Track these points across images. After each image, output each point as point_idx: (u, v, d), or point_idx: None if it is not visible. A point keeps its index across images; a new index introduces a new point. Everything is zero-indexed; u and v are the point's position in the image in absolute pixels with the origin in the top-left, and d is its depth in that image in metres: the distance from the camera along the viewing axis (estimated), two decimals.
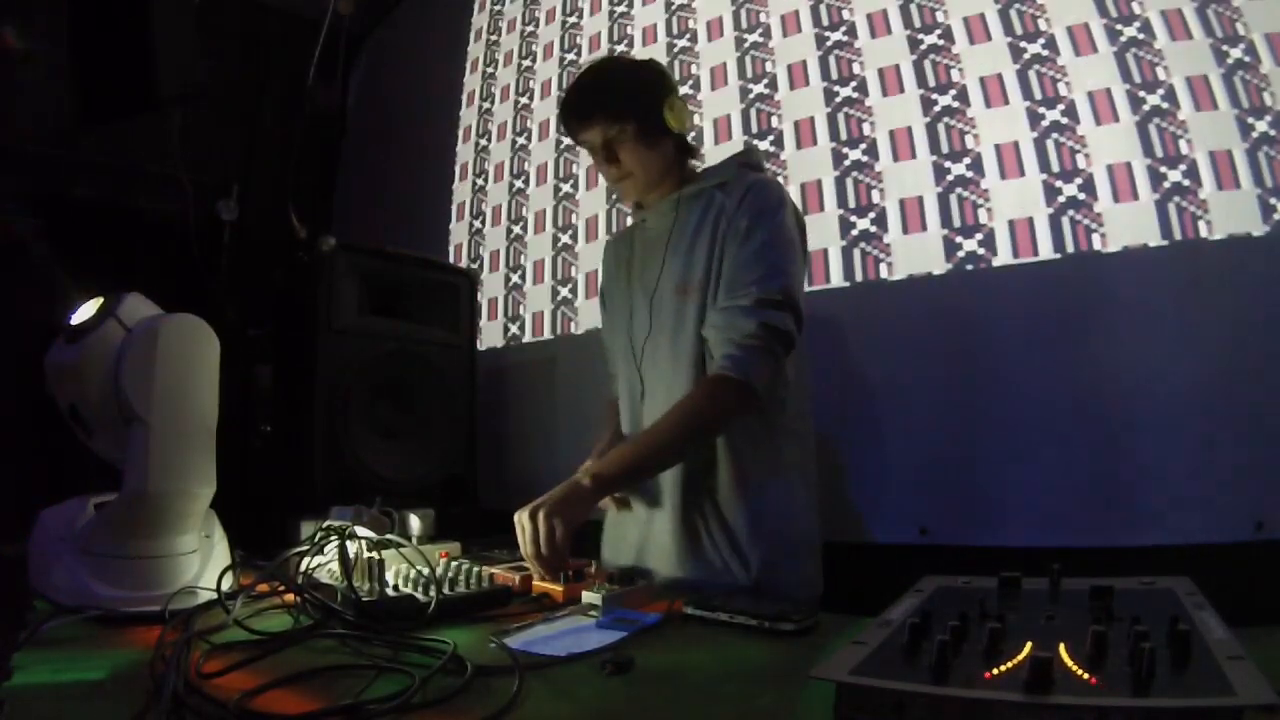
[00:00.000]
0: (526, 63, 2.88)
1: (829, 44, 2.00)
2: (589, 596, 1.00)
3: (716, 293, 1.28)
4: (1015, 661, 0.54)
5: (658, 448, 1.23)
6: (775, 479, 1.29)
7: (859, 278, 1.85)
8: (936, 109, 1.80)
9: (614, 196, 2.41)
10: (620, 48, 2.53)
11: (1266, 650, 0.53)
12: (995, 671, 0.53)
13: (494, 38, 3.09)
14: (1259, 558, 1.33)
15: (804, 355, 1.34)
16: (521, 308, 2.67)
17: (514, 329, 2.69)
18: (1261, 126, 1.46)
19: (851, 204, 1.88)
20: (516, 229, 2.75)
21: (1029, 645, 0.56)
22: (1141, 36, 1.59)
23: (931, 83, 1.82)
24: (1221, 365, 1.43)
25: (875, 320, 1.82)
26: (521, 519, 1.10)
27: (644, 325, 1.37)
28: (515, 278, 2.72)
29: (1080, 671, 0.52)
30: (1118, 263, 1.55)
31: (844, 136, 1.93)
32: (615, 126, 1.30)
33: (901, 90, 1.86)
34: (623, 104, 1.31)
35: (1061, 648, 0.55)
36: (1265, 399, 1.39)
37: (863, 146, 1.90)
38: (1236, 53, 1.50)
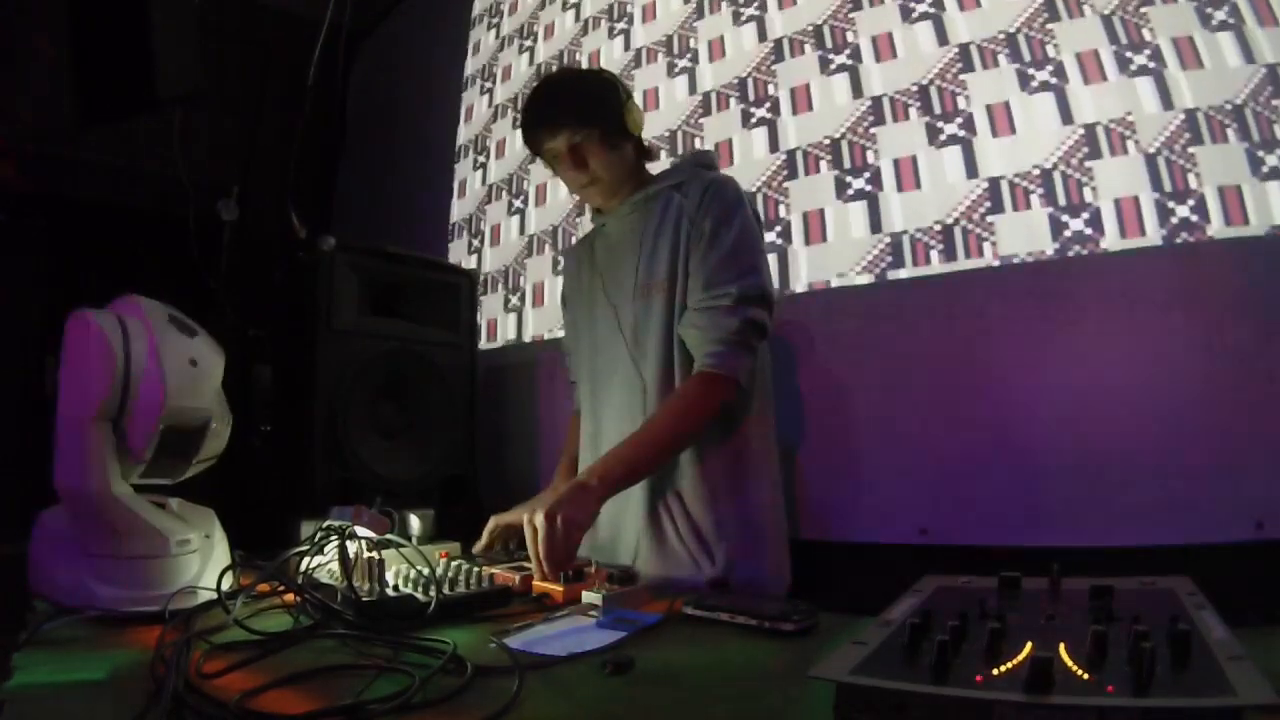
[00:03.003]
0: (528, 42, 2.88)
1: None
2: (589, 596, 1.00)
3: (684, 291, 1.31)
4: (1015, 661, 0.54)
5: (656, 444, 1.25)
6: (740, 475, 1.32)
7: (859, 278, 1.85)
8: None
9: None
10: (623, 61, 2.53)
11: (1267, 650, 0.53)
12: (995, 671, 0.53)
13: (495, 26, 3.09)
14: (1259, 557, 1.33)
15: (767, 351, 1.37)
16: (522, 307, 2.67)
17: (514, 328, 2.69)
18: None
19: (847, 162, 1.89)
20: (517, 228, 2.75)
21: (1029, 645, 0.56)
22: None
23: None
24: (1221, 365, 1.43)
25: (876, 320, 1.82)
26: (534, 520, 1.10)
27: (608, 327, 1.39)
28: (515, 277, 2.72)
29: (1080, 671, 0.52)
30: (1118, 263, 1.55)
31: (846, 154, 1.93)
32: (581, 131, 1.33)
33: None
34: (588, 109, 1.34)
35: (1061, 648, 0.55)
36: (1265, 399, 1.39)
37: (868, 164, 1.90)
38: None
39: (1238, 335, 1.42)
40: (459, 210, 3.04)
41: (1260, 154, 1.45)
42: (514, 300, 2.70)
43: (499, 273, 2.78)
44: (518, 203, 2.76)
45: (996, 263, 1.67)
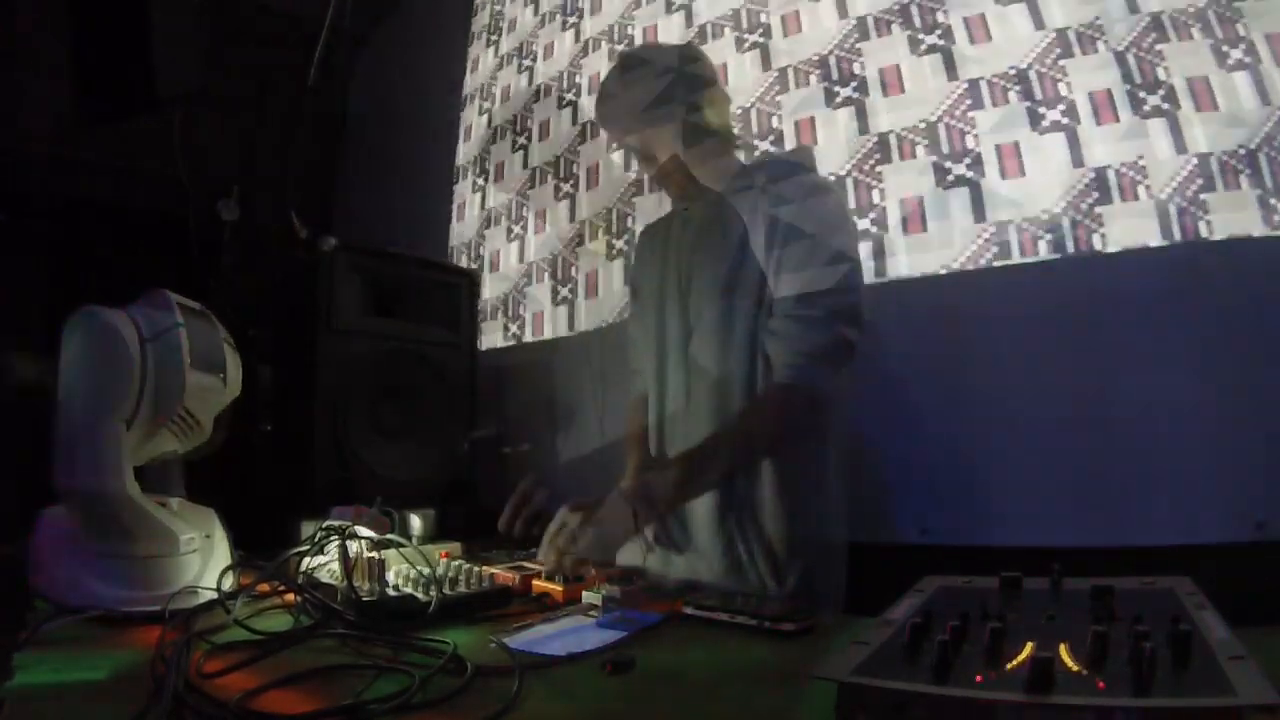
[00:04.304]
0: (527, 62, 2.88)
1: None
2: (589, 596, 1.00)
3: (765, 295, 1.24)
4: (1016, 661, 0.54)
5: (729, 454, 1.21)
6: (817, 488, 1.27)
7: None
8: (941, 109, 1.80)
9: (615, 196, 2.41)
10: (619, 48, 2.53)
11: (1268, 650, 0.53)
12: (996, 671, 0.53)
13: (495, 37, 3.09)
14: (1260, 557, 1.33)
15: (851, 372, 1.33)
16: (522, 307, 2.67)
17: (514, 329, 2.69)
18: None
19: (851, 204, 1.88)
20: (517, 229, 2.75)
21: (1030, 645, 0.56)
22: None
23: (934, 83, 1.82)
24: (1222, 364, 1.43)
25: (877, 320, 1.82)
26: (567, 519, 1.10)
27: (683, 326, 1.32)
28: (516, 277, 2.72)
29: (1081, 671, 0.52)
30: (1118, 263, 1.55)
31: (843, 138, 1.93)
32: (654, 130, 1.26)
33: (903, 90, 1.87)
34: (662, 106, 1.25)
35: (1062, 648, 0.55)
36: (1266, 398, 1.39)
37: (866, 148, 1.90)
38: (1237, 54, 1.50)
39: (1238, 334, 1.42)
40: (459, 213, 3.04)
41: None
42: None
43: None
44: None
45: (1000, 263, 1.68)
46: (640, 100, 1.27)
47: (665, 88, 1.27)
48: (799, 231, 1.22)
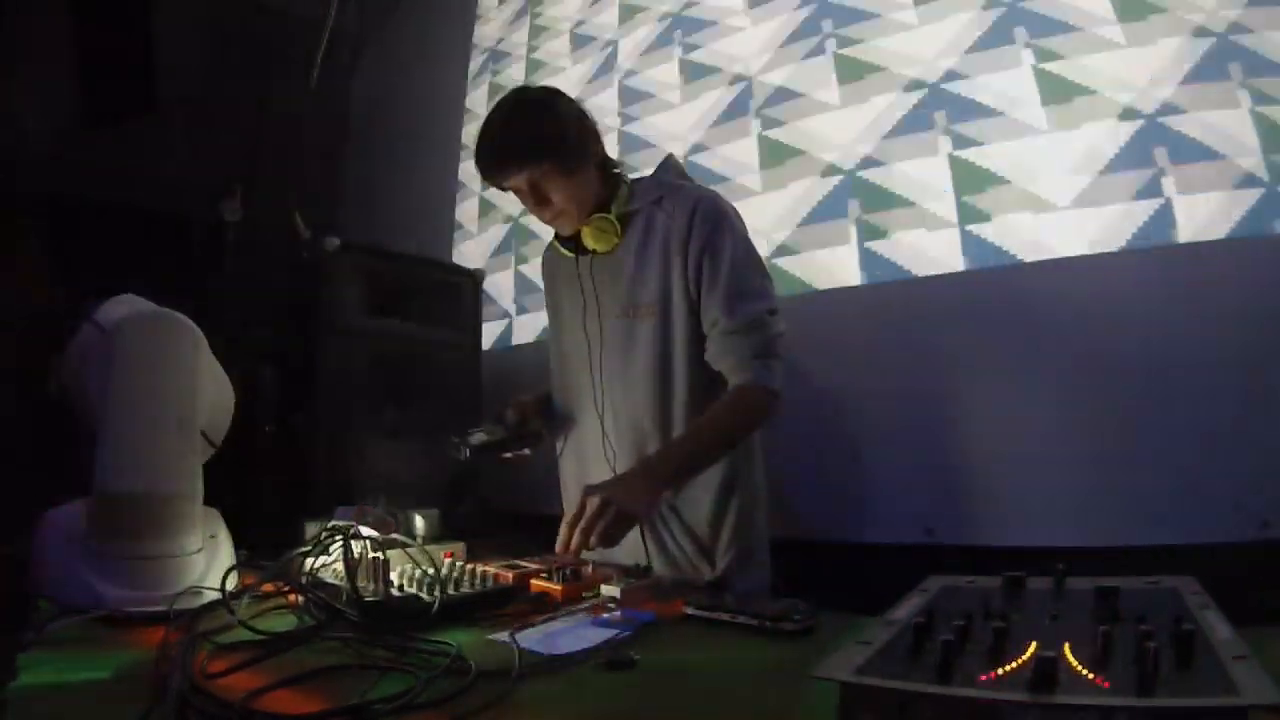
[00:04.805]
0: (533, 57, 2.88)
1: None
2: (607, 589, 1.02)
3: (687, 315, 1.31)
4: (1019, 661, 0.54)
5: (716, 441, 1.29)
6: (734, 482, 1.34)
7: (867, 279, 1.85)
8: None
9: None
10: (626, 44, 2.53)
11: (1272, 650, 0.53)
12: (1000, 671, 0.53)
13: (498, 32, 3.09)
14: (1264, 557, 1.33)
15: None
16: (525, 307, 2.67)
17: (517, 329, 2.69)
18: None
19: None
20: (520, 228, 2.75)
21: (1033, 645, 0.56)
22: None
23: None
24: (1225, 364, 1.43)
25: (883, 321, 1.82)
26: (589, 501, 1.12)
27: (596, 347, 1.40)
28: (519, 277, 2.72)
29: (1084, 671, 0.52)
30: (1120, 263, 1.55)
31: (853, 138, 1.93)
32: (539, 168, 1.30)
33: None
34: (542, 144, 1.30)
35: (1066, 647, 0.55)
36: (1270, 398, 1.38)
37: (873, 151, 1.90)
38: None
39: (1243, 335, 1.42)
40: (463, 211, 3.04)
41: None
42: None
43: None
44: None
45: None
46: (521, 141, 1.30)
47: (542, 126, 1.31)
48: (700, 255, 1.31)
